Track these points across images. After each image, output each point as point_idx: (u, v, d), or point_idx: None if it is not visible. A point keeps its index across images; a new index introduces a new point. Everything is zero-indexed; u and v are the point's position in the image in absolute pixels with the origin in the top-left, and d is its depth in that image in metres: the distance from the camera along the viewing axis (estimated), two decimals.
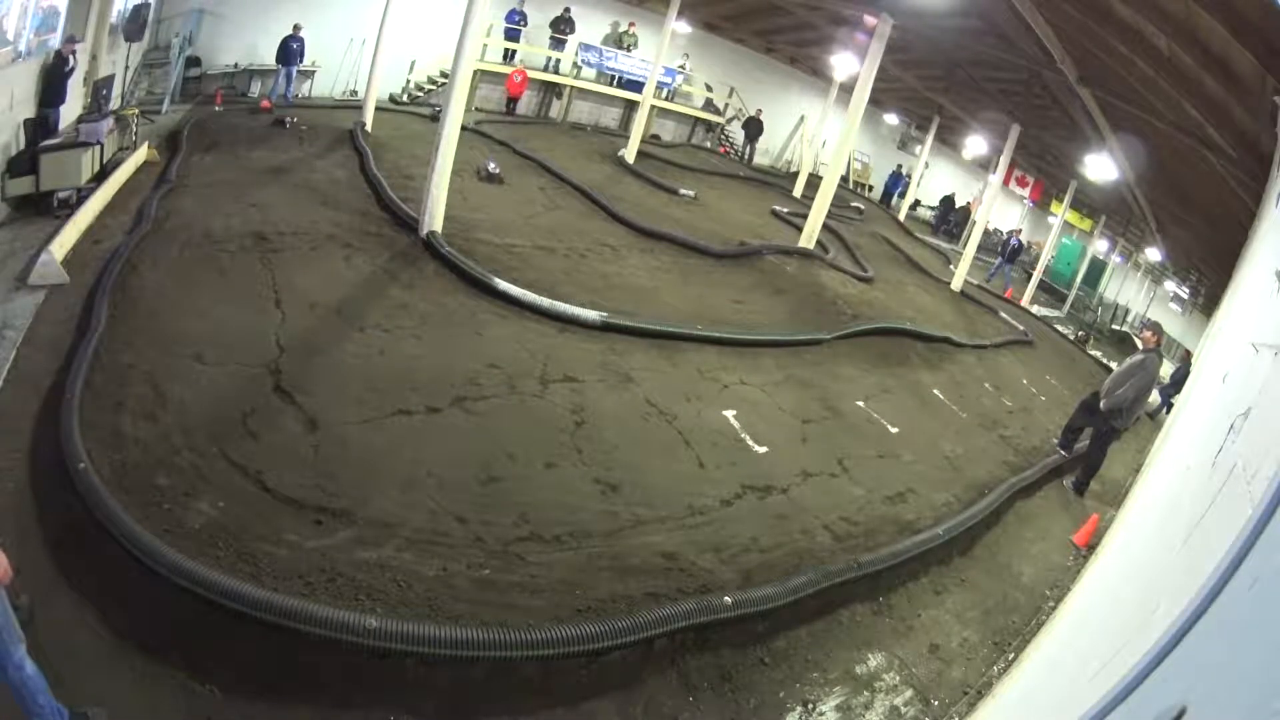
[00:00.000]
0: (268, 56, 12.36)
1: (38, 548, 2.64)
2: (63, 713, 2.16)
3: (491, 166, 9.56)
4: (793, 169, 20.28)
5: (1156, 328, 6.40)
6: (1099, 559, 4.60)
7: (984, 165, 22.36)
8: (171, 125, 9.29)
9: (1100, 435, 6.13)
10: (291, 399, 3.79)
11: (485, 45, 14.58)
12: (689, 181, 13.19)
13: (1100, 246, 23.09)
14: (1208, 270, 16.69)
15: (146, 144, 7.91)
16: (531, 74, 16.02)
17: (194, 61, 11.47)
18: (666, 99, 18.20)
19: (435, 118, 11.48)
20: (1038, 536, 5.16)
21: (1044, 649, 3.52)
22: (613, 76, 17.26)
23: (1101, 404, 5.91)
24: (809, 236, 10.56)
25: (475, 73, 13.41)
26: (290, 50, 11.97)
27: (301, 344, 4.36)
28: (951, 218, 22.80)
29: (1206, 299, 18.05)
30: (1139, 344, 6.30)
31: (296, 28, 11.98)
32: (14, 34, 5.56)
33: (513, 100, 15.57)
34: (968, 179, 24.61)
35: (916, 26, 9.87)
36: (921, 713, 3.12)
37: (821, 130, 18.62)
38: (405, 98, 14.26)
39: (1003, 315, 12.44)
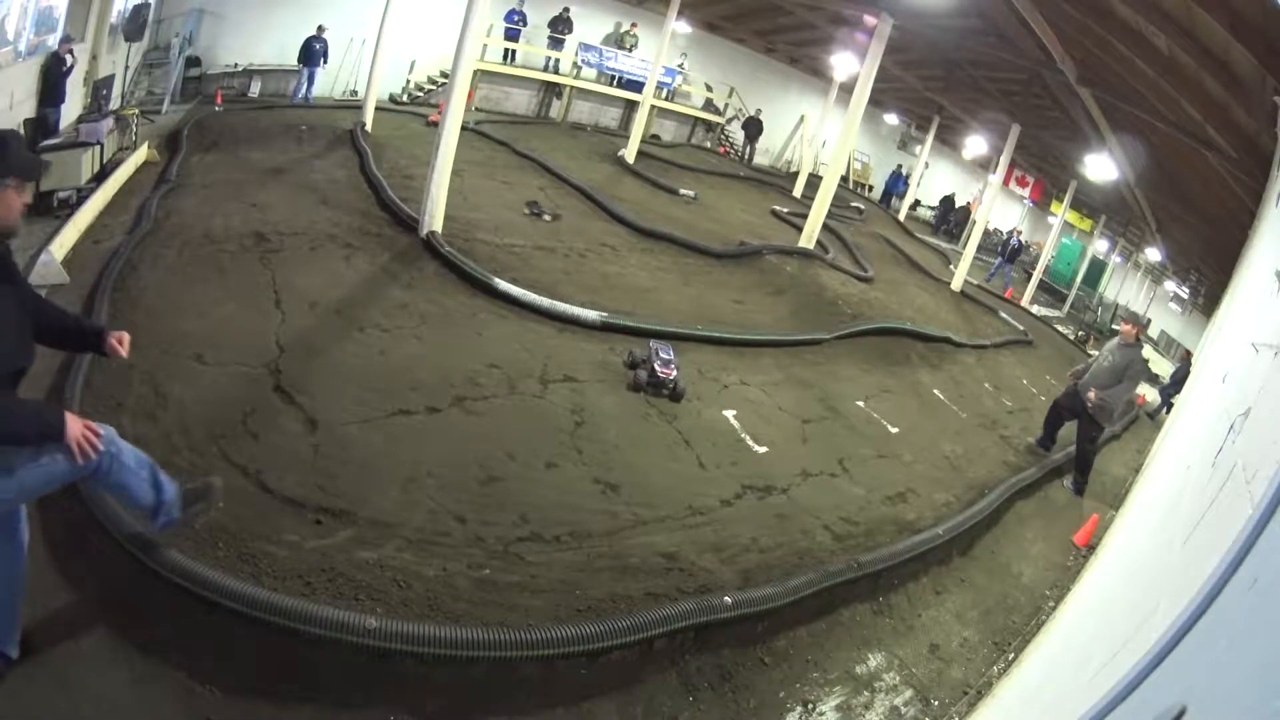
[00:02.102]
0: (269, 56, 12.36)
1: (38, 548, 2.63)
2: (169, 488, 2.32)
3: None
4: (793, 169, 20.28)
5: (1135, 319, 6.30)
6: (1099, 559, 4.61)
7: (984, 165, 22.36)
8: (171, 125, 9.29)
9: (1086, 434, 6.06)
10: (291, 399, 3.79)
11: (485, 45, 14.58)
12: (689, 181, 13.20)
13: (1100, 246, 23.09)
14: (1208, 270, 16.69)
15: (146, 144, 7.91)
16: (531, 74, 16.04)
17: (194, 61, 11.48)
18: (666, 99, 18.20)
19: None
20: (1038, 536, 5.16)
21: (1044, 649, 3.52)
22: (613, 76, 17.26)
23: (1092, 410, 5.80)
24: (809, 236, 10.57)
25: (475, 73, 13.42)
26: (314, 51, 12.01)
27: (301, 344, 4.36)
28: (951, 218, 22.81)
29: (1206, 299, 18.05)
30: (1118, 338, 6.02)
31: (320, 29, 12.02)
32: (14, 34, 5.56)
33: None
34: (968, 179, 24.62)
35: (916, 26, 9.88)
36: (921, 713, 3.12)
37: (821, 130, 18.63)
38: (405, 98, 14.27)
39: (1003, 315, 12.44)
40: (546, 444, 4.03)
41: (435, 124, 9.45)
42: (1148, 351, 19.05)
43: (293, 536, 2.90)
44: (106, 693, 2.20)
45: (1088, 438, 6.08)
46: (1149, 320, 21.44)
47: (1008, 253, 17.59)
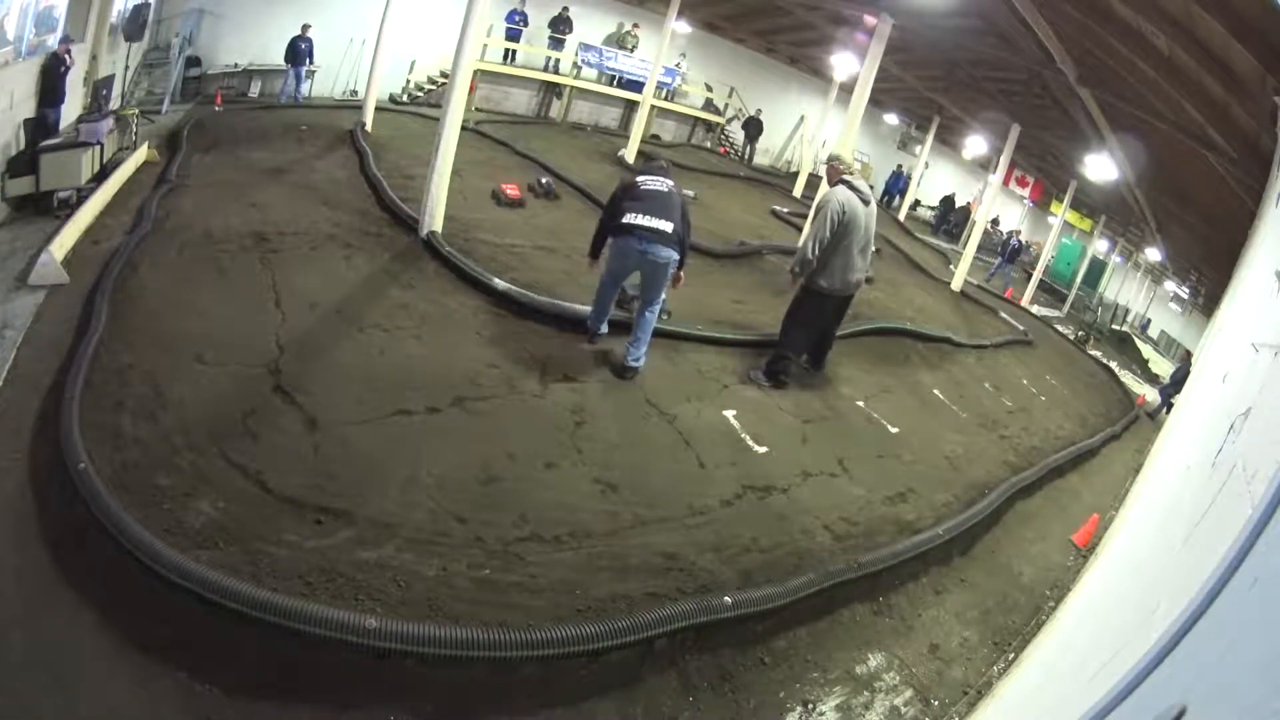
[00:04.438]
0: (270, 56, 12.37)
1: (38, 548, 2.64)
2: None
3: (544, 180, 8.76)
4: (793, 169, 20.29)
5: (833, 159, 5.61)
6: (1099, 559, 4.61)
7: (984, 165, 22.38)
8: (171, 125, 9.29)
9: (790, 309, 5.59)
10: (291, 399, 3.79)
11: (485, 45, 14.59)
12: (689, 181, 13.19)
13: (1100, 246, 23.10)
14: (1208, 270, 16.69)
15: (146, 144, 7.92)
16: (531, 74, 16.07)
17: (194, 61, 11.49)
18: (666, 99, 18.21)
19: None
20: (1038, 536, 5.16)
21: (1044, 649, 3.52)
22: (613, 76, 17.26)
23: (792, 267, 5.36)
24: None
25: (475, 72, 13.42)
26: (299, 50, 12.00)
27: (301, 344, 4.36)
28: (951, 218, 22.82)
29: (1206, 299, 18.08)
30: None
31: (305, 28, 11.99)
32: (14, 34, 5.57)
33: None
34: (968, 179, 24.63)
35: (916, 26, 9.87)
36: (921, 713, 3.12)
37: (821, 130, 18.63)
38: (405, 98, 14.27)
39: (1003, 315, 12.44)
40: (546, 444, 4.03)
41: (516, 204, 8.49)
42: (1147, 351, 19.15)
43: (293, 536, 2.90)
44: (106, 693, 2.20)
45: (790, 316, 5.65)
46: (1148, 323, 21.27)
47: (1008, 253, 17.61)
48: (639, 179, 4.96)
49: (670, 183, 5.00)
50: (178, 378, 3.74)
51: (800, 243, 5.22)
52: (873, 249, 5.63)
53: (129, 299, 4.48)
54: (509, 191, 8.72)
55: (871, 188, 19.97)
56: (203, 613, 2.45)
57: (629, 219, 4.78)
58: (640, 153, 5.36)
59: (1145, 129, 9.13)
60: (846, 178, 5.41)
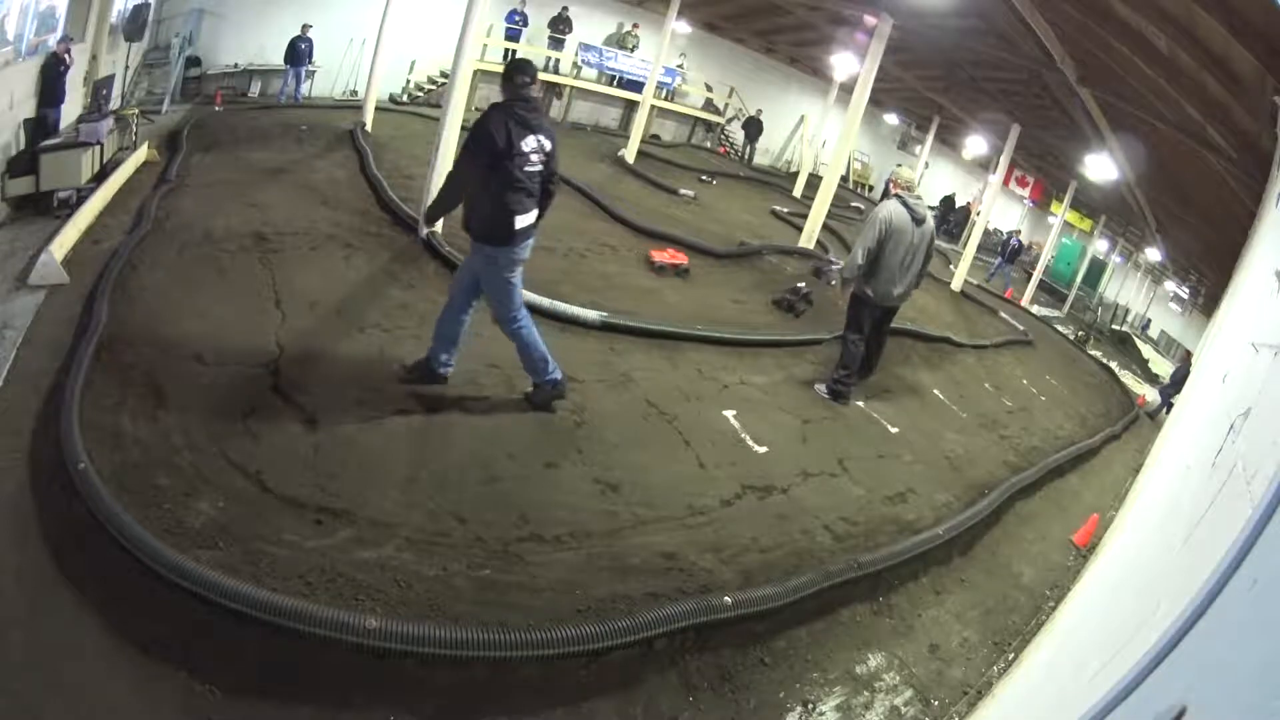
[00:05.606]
0: (270, 56, 12.38)
1: (38, 548, 2.64)
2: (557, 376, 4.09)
3: None
4: (793, 169, 20.30)
5: (896, 174, 5.76)
6: (1099, 559, 4.60)
7: (984, 165, 22.37)
8: (171, 125, 9.29)
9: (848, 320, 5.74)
10: (291, 399, 3.78)
11: (485, 45, 14.59)
12: (689, 181, 13.20)
13: (1100, 246, 23.10)
14: (1208, 270, 16.69)
15: (146, 144, 7.92)
16: None
17: (194, 61, 11.50)
18: (666, 99, 18.21)
19: None
20: (1038, 536, 5.15)
21: (1044, 649, 3.52)
22: (613, 76, 17.27)
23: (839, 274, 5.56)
24: (809, 236, 10.57)
25: (475, 73, 13.41)
26: (299, 51, 12.02)
27: (301, 344, 4.36)
28: (951, 218, 22.83)
29: (1206, 299, 18.07)
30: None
31: (305, 28, 12.00)
32: (14, 34, 5.57)
33: None
34: (968, 179, 24.62)
35: (916, 26, 9.88)
36: (921, 713, 3.12)
37: (821, 130, 18.63)
38: (405, 98, 14.28)
39: (1003, 315, 12.44)
40: (546, 444, 4.03)
41: None
42: (1147, 351, 19.13)
43: (293, 536, 2.90)
44: (106, 693, 2.20)
45: (846, 325, 5.84)
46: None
47: (1007, 253, 17.61)
48: (521, 143, 3.64)
49: (549, 141, 3.83)
50: (178, 378, 3.74)
51: (851, 251, 5.38)
52: (919, 269, 5.74)
53: (129, 299, 4.48)
54: (665, 259, 7.67)
55: (871, 188, 19.88)
56: (203, 613, 2.45)
57: (522, 222, 3.79)
58: (514, 65, 3.76)
59: (1145, 129, 9.14)
60: (900, 193, 5.58)
